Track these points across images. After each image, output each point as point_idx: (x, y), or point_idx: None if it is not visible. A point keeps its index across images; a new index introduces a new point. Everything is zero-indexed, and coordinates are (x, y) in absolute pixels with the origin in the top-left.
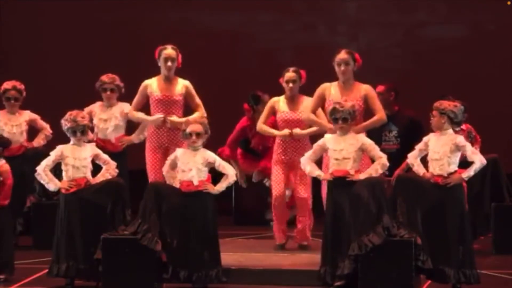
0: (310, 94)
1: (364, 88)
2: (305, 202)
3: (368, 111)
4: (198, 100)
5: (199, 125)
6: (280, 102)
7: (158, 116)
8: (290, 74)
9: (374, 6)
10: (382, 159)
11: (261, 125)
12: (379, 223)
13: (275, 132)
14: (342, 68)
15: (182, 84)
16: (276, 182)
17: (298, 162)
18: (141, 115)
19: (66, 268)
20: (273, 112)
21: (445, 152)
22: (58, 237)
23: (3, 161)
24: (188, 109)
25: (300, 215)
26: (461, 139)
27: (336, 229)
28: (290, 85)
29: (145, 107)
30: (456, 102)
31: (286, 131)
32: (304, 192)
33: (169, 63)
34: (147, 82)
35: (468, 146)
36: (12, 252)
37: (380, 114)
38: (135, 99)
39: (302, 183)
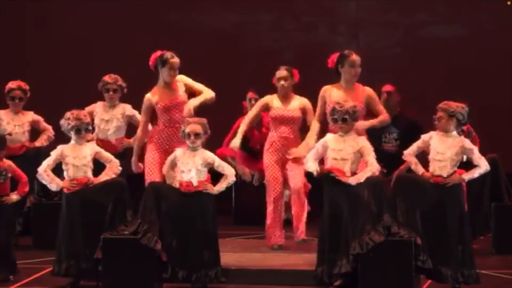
0: (308, 93)
1: (367, 90)
2: (298, 191)
3: (368, 113)
4: (198, 85)
5: (198, 125)
6: (273, 100)
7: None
8: (281, 72)
9: (374, 6)
10: (373, 168)
11: (246, 120)
12: (380, 222)
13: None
14: (358, 69)
15: (180, 81)
16: (273, 184)
17: (288, 157)
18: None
19: (67, 267)
20: (266, 109)
21: (451, 154)
22: (60, 236)
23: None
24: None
25: (294, 207)
26: (468, 143)
27: (333, 228)
28: (282, 82)
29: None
30: (461, 103)
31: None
32: (297, 182)
33: (174, 72)
34: (149, 96)
35: (475, 149)
36: (13, 251)
37: (385, 115)
38: (144, 118)
39: (294, 172)
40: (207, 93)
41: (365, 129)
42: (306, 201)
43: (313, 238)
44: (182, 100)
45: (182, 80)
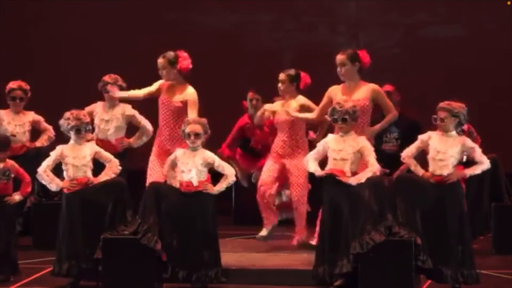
0: (309, 93)
1: (371, 88)
2: (297, 205)
3: (374, 109)
4: (194, 113)
5: (198, 125)
6: (278, 105)
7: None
8: (280, 75)
9: (374, 6)
10: (373, 168)
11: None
12: (381, 222)
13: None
14: (338, 69)
15: (185, 92)
16: (266, 170)
17: (293, 163)
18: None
19: (68, 268)
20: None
21: (453, 153)
22: (60, 236)
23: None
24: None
25: (295, 221)
26: (469, 141)
27: (334, 228)
28: (279, 85)
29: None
30: (461, 103)
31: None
32: (296, 195)
33: (160, 72)
34: (162, 80)
35: (477, 147)
36: (14, 251)
37: (393, 112)
38: (149, 87)
39: (296, 184)
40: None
41: (382, 129)
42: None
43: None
44: (175, 105)
45: (187, 95)
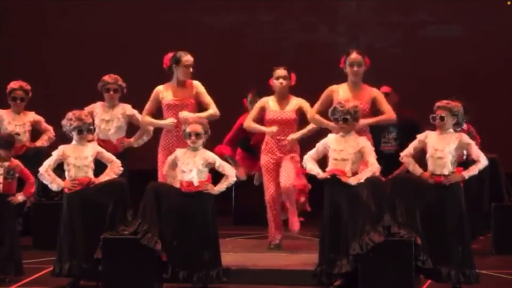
0: (308, 93)
1: (375, 92)
2: (286, 190)
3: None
4: (208, 98)
5: (199, 125)
6: (269, 102)
7: (170, 120)
8: (281, 71)
9: (374, 6)
10: (373, 167)
11: (249, 122)
12: (380, 223)
13: (262, 128)
14: (355, 68)
15: (193, 86)
16: (268, 184)
17: (284, 159)
18: (153, 120)
19: (69, 268)
20: (263, 111)
21: (450, 150)
22: (61, 236)
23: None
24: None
25: (286, 204)
26: (466, 137)
27: (333, 228)
28: (280, 81)
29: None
30: (457, 102)
31: (273, 128)
32: (286, 181)
33: (191, 69)
34: (160, 88)
35: (473, 144)
36: (18, 251)
37: (390, 114)
38: (148, 105)
39: (285, 172)
40: (212, 111)
41: (369, 126)
42: (305, 200)
43: (312, 238)
44: (191, 102)
45: (197, 86)
